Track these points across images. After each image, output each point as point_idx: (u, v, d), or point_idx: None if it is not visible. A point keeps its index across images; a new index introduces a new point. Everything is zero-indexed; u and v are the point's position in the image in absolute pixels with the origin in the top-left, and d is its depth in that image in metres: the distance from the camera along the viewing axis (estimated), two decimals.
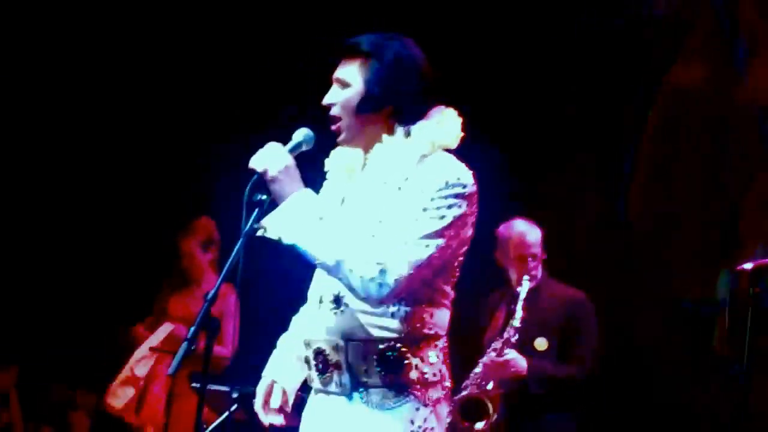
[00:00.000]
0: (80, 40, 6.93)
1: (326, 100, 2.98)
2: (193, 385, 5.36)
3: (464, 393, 4.94)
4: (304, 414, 3.07)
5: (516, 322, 4.92)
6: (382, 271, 2.75)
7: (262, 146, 2.91)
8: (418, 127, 2.93)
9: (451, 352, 2.99)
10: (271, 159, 2.85)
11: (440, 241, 2.80)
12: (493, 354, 4.96)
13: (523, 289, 5.02)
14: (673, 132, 6.39)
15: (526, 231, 5.18)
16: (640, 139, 6.42)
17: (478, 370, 4.97)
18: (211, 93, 6.92)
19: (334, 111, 2.97)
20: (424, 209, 2.81)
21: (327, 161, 3.11)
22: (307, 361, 3.02)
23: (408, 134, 2.93)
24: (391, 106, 2.95)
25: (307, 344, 3.01)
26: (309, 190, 2.87)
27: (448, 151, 2.96)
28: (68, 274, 7.17)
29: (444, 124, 2.95)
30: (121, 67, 7.01)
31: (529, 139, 6.43)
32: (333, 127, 2.99)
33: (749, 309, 3.82)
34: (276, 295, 5.15)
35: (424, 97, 2.96)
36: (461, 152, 3.00)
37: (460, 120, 2.98)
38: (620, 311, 5.39)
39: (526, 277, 5.05)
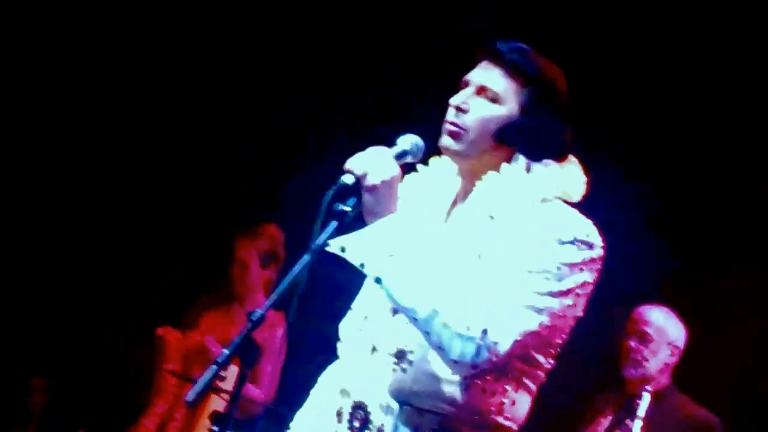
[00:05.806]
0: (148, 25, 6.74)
1: (466, 107, 2.63)
2: (213, 428, 4.64)
3: None
4: None
5: None
6: (485, 332, 2.42)
7: (353, 150, 2.55)
8: (542, 166, 2.65)
9: None
10: (375, 164, 2.52)
11: (555, 308, 2.50)
12: None
13: (644, 404, 4.44)
14: None
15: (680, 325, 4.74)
16: None
17: None
18: (303, 85, 6.48)
19: (465, 120, 2.62)
20: (542, 265, 2.49)
21: (422, 170, 2.75)
22: (339, 413, 2.66)
23: (529, 170, 2.64)
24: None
25: (345, 393, 2.66)
26: (410, 215, 2.55)
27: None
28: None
29: (569, 171, 2.66)
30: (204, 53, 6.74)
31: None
32: (451, 130, 2.63)
33: None
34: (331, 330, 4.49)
35: (561, 137, 2.67)
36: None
37: (584, 175, 2.69)
38: None
39: (648, 388, 4.50)
